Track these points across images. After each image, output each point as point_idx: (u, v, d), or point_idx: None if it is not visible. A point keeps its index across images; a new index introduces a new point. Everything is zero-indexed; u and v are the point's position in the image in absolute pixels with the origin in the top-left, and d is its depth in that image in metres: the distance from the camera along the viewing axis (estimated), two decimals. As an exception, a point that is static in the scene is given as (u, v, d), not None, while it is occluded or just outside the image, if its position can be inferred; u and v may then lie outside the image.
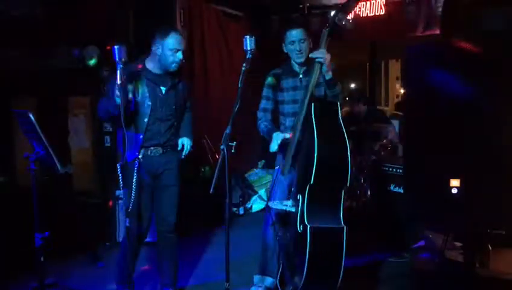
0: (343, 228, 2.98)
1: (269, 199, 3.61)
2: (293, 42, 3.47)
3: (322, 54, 3.16)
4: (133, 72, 3.37)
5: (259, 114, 3.69)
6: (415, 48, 3.91)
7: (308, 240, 2.88)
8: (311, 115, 3.06)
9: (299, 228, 3.02)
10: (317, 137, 2.96)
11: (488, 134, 3.29)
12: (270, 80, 3.64)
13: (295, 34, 3.47)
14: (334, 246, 2.97)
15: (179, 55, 3.38)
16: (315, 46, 3.43)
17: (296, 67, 3.58)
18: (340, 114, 3.16)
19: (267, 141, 3.53)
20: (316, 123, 3.02)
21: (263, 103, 3.69)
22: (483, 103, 3.32)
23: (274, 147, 3.38)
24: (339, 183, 3.06)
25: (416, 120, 3.75)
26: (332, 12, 3.23)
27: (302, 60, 3.50)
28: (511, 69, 3.25)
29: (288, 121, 3.57)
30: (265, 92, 3.67)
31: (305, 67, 3.54)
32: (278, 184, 3.54)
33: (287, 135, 3.36)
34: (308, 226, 2.91)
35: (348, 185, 3.05)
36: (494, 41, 3.34)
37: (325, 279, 2.99)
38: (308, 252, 2.87)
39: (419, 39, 6.00)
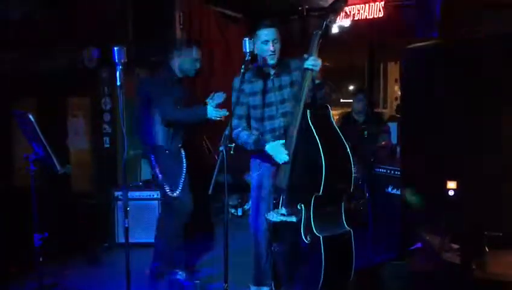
0: (349, 231, 3.05)
1: (255, 206, 3.56)
2: (266, 42, 3.31)
3: (315, 62, 3.08)
4: None
5: (235, 121, 3.43)
6: (413, 50, 3.93)
7: (322, 250, 2.90)
8: (309, 124, 3.01)
9: (306, 239, 3.01)
10: (321, 147, 2.92)
11: (486, 135, 3.30)
12: (238, 84, 3.28)
13: (269, 33, 3.31)
14: (346, 249, 3.04)
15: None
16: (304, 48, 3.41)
17: (267, 68, 3.43)
18: (332, 116, 3.15)
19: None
20: (316, 132, 2.97)
21: (237, 109, 3.43)
22: (480, 104, 3.33)
23: (285, 157, 3.19)
24: (344, 190, 3.08)
25: (414, 122, 3.77)
26: (322, 15, 3.18)
27: (274, 61, 3.37)
28: (510, 69, 3.26)
29: (268, 125, 3.44)
30: (236, 97, 3.32)
31: (275, 68, 3.42)
32: (261, 195, 3.48)
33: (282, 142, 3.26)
34: (321, 237, 2.92)
35: (351, 189, 3.07)
36: (493, 43, 3.35)
37: (340, 278, 3.07)
38: (324, 260, 2.90)
39: (418, 41, 6.01)
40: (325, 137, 3.00)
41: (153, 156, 4.06)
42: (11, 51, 5.19)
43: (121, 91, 3.03)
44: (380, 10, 6.39)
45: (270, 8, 7.13)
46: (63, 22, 5.21)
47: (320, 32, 3.11)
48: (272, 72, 3.44)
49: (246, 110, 3.50)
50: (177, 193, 4.01)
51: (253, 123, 3.52)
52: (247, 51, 3.08)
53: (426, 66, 3.68)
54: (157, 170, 4.05)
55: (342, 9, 3.15)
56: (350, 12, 6.50)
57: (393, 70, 10.12)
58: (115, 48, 2.99)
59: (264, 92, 3.43)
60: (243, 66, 3.14)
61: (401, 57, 4.12)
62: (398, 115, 7.51)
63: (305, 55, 3.14)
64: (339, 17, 3.13)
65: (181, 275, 4.10)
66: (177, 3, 5.83)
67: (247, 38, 3.10)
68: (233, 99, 3.43)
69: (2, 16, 4.86)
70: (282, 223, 3.20)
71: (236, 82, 3.39)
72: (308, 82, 3.10)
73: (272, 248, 3.36)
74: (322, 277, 2.90)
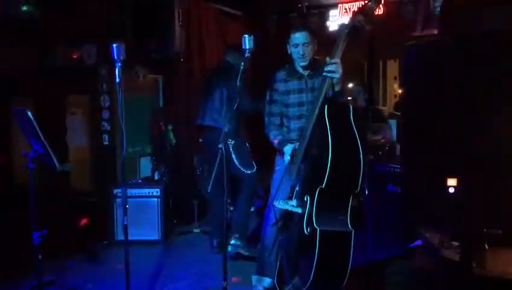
0: (351, 231, 2.99)
1: (271, 198, 3.57)
2: (296, 45, 3.35)
3: (335, 68, 3.03)
4: None
5: (266, 119, 3.59)
6: (413, 47, 3.92)
7: (317, 243, 2.88)
8: (325, 119, 2.98)
9: (306, 230, 3.00)
10: (331, 142, 2.91)
11: (485, 133, 3.29)
12: (273, 83, 3.53)
13: (299, 37, 3.34)
14: (342, 249, 2.99)
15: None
16: (320, 46, 3.41)
17: (301, 69, 3.46)
18: (351, 116, 3.06)
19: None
20: (330, 127, 2.95)
21: (269, 107, 3.59)
22: (480, 102, 3.33)
23: (287, 160, 3.31)
24: (350, 188, 3.05)
25: (414, 119, 3.76)
26: (350, 15, 3.12)
27: (305, 63, 3.39)
28: (510, 68, 3.25)
29: (293, 124, 3.49)
30: (270, 95, 3.56)
31: (309, 70, 3.44)
32: (282, 183, 3.44)
33: (296, 146, 3.28)
34: (318, 229, 2.91)
35: (358, 189, 3.03)
36: (492, 41, 3.34)
37: (332, 280, 3.02)
38: (317, 254, 2.88)
39: (418, 39, 6.01)
40: (338, 133, 2.97)
41: (232, 142, 4.48)
42: (10, 48, 5.19)
43: (120, 88, 3.03)
44: (379, 7, 6.37)
45: (270, 5, 7.12)
46: (62, 19, 5.21)
47: (346, 31, 3.04)
48: (306, 73, 3.46)
49: (279, 109, 3.55)
50: (253, 170, 4.57)
51: (284, 121, 3.57)
52: (247, 48, 3.08)
53: (426, 64, 3.68)
54: (234, 155, 4.50)
55: (372, 12, 3.05)
56: (349, 9, 6.50)
57: (393, 68, 10.12)
58: (114, 45, 2.99)
59: (297, 91, 3.47)
60: (242, 64, 3.13)
61: (401, 55, 4.10)
62: (397, 112, 7.52)
63: (328, 59, 3.09)
64: (368, 21, 3.02)
65: None
66: (176, 1, 5.81)
67: (246, 35, 3.09)
68: (267, 97, 3.57)
69: (2, 15, 4.85)
70: (289, 214, 3.21)
71: (271, 81, 3.54)
72: (327, 88, 3.06)
73: (279, 238, 3.35)
74: (313, 272, 2.88)
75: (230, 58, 4.71)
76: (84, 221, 4.10)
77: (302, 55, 3.36)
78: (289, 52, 3.46)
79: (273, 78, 3.55)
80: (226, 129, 3.07)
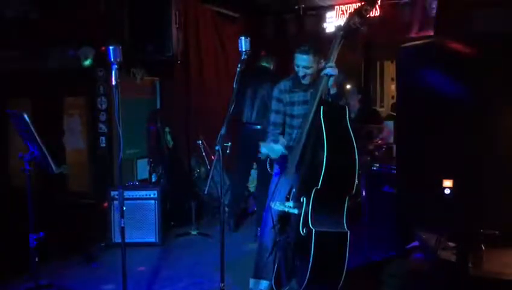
0: (346, 232, 3.00)
1: (269, 201, 3.57)
2: (298, 66, 3.37)
3: (331, 71, 3.09)
4: None
5: (269, 128, 3.65)
6: (409, 49, 3.92)
7: (312, 244, 2.89)
8: (320, 120, 3.00)
9: (302, 231, 3.01)
10: (327, 143, 2.93)
11: (481, 134, 3.30)
12: (278, 93, 3.56)
13: (300, 60, 3.35)
14: (338, 249, 3.00)
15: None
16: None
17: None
18: (348, 118, 3.10)
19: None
20: (325, 128, 2.97)
21: (273, 117, 3.62)
22: (476, 103, 3.34)
23: (279, 148, 3.40)
24: (345, 189, 3.06)
25: (409, 120, 3.77)
26: (347, 17, 3.12)
27: (306, 82, 3.42)
28: (504, 69, 3.27)
29: (296, 134, 3.48)
30: (275, 105, 3.59)
31: (313, 81, 3.43)
32: (279, 185, 3.47)
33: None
34: (313, 230, 2.91)
35: (353, 190, 3.05)
36: (488, 42, 3.35)
37: (327, 281, 3.02)
38: (312, 255, 2.89)
39: (414, 40, 6.02)
40: (334, 135, 2.99)
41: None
42: (6, 50, 5.19)
43: (116, 90, 3.03)
44: (376, 9, 6.38)
45: (267, 6, 7.13)
46: (58, 21, 5.20)
47: (341, 33, 3.07)
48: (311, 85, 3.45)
49: (282, 119, 3.59)
50: None
51: (287, 129, 3.59)
52: (243, 50, 3.09)
53: (421, 65, 3.68)
54: None
55: (368, 13, 3.06)
56: (346, 10, 6.51)
57: (390, 69, 10.15)
58: (110, 47, 2.99)
59: (302, 103, 3.49)
60: (239, 65, 3.14)
61: (397, 56, 4.12)
62: (394, 113, 7.52)
63: (322, 62, 3.17)
64: (363, 23, 3.03)
65: None
66: (173, 3, 5.81)
67: (243, 37, 3.10)
68: (271, 107, 3.64)
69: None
70: (286, 216, 3.21)
71: (276, 91, 3.57)
72: (323, 89, 3.10)
73: (277, 240, 3.35)
74: (308, 273, 2.89)
75: (265, 63, 5.33)
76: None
77: (302, 76, 3.39)
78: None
79: (278, 88, 3.57)
80: (222, 132, 3.07)
